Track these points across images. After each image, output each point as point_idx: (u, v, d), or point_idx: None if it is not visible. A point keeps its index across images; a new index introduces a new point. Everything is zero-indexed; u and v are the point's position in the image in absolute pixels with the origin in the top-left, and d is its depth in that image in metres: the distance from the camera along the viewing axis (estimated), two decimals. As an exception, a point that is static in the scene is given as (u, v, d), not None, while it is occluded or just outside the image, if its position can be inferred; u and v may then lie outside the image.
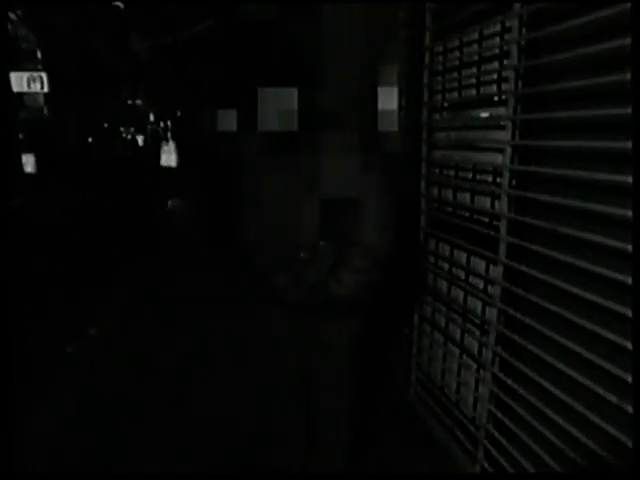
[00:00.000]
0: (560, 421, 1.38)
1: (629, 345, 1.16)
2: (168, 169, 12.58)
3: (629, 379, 1.16)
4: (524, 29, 1.51)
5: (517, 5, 1.47)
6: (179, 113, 16.24)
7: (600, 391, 1.24)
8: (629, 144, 1.19)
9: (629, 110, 1.20)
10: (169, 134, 18.76)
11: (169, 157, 12.76)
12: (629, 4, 1.13)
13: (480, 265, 1.90)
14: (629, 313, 1.16)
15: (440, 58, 2.07)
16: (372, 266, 1.39)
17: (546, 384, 1.44)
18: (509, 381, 1.62)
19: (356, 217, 1.35)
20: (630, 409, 1.15)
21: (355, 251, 1.36)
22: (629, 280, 1.16)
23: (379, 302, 1.55)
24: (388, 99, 2.38)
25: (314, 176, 1.37)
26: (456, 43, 1.97)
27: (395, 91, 2.36)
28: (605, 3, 1.18)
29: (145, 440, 2.06)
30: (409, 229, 2.14)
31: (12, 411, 1.54)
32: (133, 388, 2.49)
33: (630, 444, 1.16)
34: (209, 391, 2.43)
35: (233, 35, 5.78)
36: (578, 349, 1.31)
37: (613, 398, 1.21)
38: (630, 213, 1.14)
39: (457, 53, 1.98)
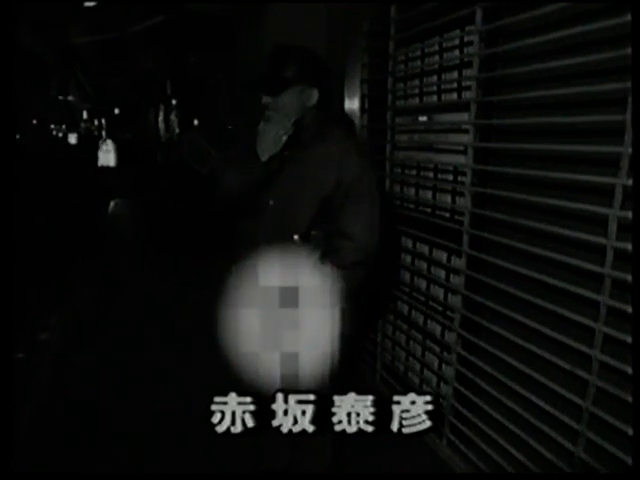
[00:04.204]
0: (520, 390, 1.58)
1: (579, 318, 1.37)
2: (107, 169, 12.10)
3: (582, 348, 1.37)
4: (483, 44, 1.69)
5: (478, 22, 1.65)
6: (117, 111, 15.65)
7: (556, 361, 1.44)
8: (573, 147, 1.41)
9: (571, 119, 1.42)
10: (104, 132, 18.01)
11: (107, 156, 12.26)
12: (578, 27, 1.33)
13: (442, 257, 2.08)
14: (574, 290, 1.37)
15: (402, 66, 2.24)
16: (360, 262, 1.44)
17: (507, 358, 1.63)
18: (473, 359, 1.80)
19: (349, 211, 1.41)
20: (592, 379, 1.36)
21: (346, 244, 1.41)
22: (575, 262, 1.37)
23: (360, 298, 1.62)
24: (351, 102, 2.53)
25: (310, 167, 1.41)
26: (418, 53, 2.15)
27: (357, 94, 2.51)
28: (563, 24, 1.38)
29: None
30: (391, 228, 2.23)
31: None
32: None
33: (579, 401, 1.36)
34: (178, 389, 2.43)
35: (182, 31, 5.70)
36: (536, 326, 1.51)
37: (567, 365, 1.41)
38: (584, 207, 1.35)
39: (419, 62, 2.15)
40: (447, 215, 2.03)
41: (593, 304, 1.32)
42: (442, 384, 2.09)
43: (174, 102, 10.05)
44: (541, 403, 1.50)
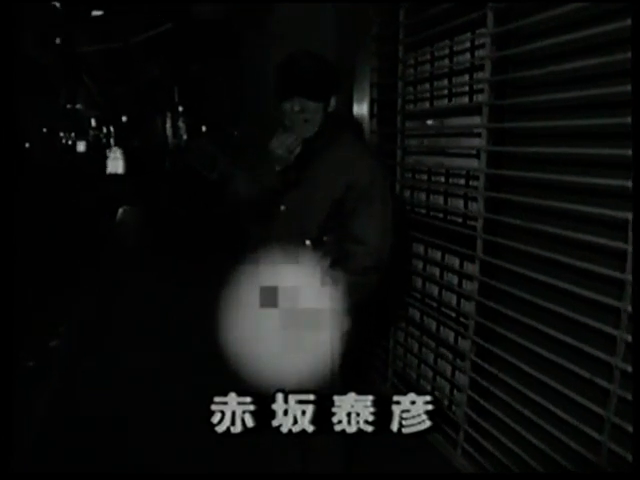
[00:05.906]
0: (537, 399, 1.54)
1: (598, 325, 1.33)
2: (115, 176, 12.19)
3: (598, 355, 1.33)
4: (494, 46, 1.67)
5: (490, 25, 1.63)
6: (124, 118, 15.77)
7: (575, 369, 1.40)
8: (588, 150, 1.38)
9: (586, 121, 1.39)
10: (112, 140, 18.17)
11: (116, 164, 12.36)
12: (591, 29, 1.31)
13: (455, 262, 2.05)
14: (593, 296, 1.34)
15: (412, 70, 2.22)
16: (373, 267, 1.41)
17: (522, 366, 1.59)
18: (487, 367, 1.76)
19: (361, 215, 1.38)
20: (606, 384, 1.32)
21: (358, 249, 1.39)
22: (594, 268, 1.34)
23: (371, 305, 1.58)
24: (360, 107, 2.51)
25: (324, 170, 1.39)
26: (427, 56, 2.13)
27: (367, 99, 2.49)
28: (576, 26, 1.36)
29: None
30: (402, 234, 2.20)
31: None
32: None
33: (600, 411, 1.32)
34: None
35: (187, 39, 5.72)
36: (553, 333, 1.47)
37: (586, 374, 1.37)
38: (589, 209, 1.33)
39: (429, 65, 2.13)
40: (460, 220, 2.00)
41: (613, 311, 1.28)
42: (455, 392, 2.05)
43: (181, 109, 10.11)
44: (560, 412, 1.46)
